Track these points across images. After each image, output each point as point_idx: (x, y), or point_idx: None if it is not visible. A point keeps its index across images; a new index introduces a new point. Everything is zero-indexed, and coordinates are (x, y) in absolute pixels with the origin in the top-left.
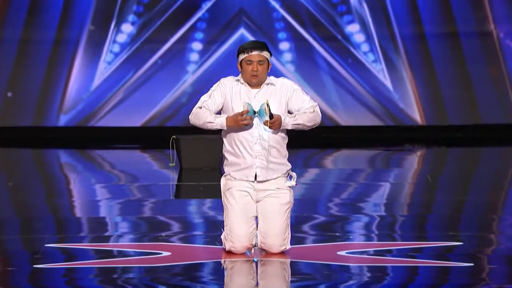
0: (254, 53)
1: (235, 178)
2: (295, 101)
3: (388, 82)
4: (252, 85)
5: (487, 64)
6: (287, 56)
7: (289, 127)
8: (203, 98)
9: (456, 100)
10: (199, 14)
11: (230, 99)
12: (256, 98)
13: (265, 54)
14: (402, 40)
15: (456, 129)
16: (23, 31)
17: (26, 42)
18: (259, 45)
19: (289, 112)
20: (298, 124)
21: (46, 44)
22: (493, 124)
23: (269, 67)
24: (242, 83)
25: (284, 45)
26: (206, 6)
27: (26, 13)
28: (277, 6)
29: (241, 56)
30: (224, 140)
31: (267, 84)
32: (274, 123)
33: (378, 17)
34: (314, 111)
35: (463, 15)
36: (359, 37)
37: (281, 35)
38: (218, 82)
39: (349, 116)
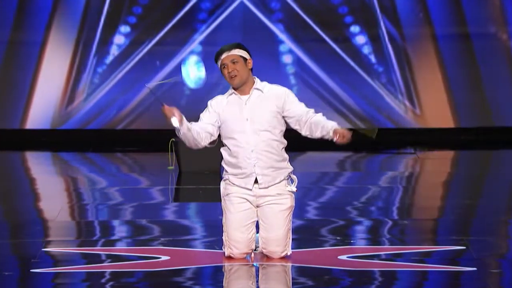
0: (223, 55)
1: (234, 184)
2: (290, 104)
3: (394, 84)
4: (236, 87)
5: (498, 66)
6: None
7: None
8: None
9: (465, 102)
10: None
11: (220, 114)
12: (247, 104)
13: (235, 52)
14: (409, 41)
15: (464, 131)
16: (12, 32)
17: (15, 43)
18: (228, 46)
19: (284, 119)
20: None
21: (37, 46)
22: (504, 127)
23: (248, 64)
24: (230, 94)
25: (287, 58)
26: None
27: (14, 14)
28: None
29: (218, 64)
30: (224, 155)
31: (256, 89)
32: (342, 134)
33: (386, 18)
34: (316, 112)
35: (474, 16)
36: (361, 39)
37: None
38: (207, 106)
39: (350, 118)
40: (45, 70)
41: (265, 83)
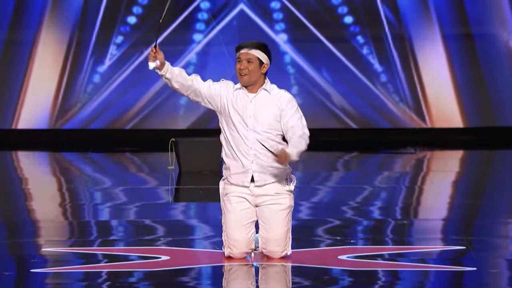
0: (242, 51)
1: (232, 183)
2: (286, 114)
3: (397, 84)
4: (243, 84)
5: (500, 66)
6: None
7: (296, 158)
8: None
9: (467, 102)
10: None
11: (226, 102)
12: (252, 102)
13: (254, 52)
14: (412, 40)
15: (466, 131)
16: (9, 32)
17: (11, 43)
18: (249, 44)
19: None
20: (302, 151)
21: (32, 45)
22: (505, 127)
23: (263, 68)
24: (239, 88)
25: (287, 59)
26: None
27: (11, 14)
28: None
29: (236, 55)
30: (223, 144)
31: (264, 89)
32: (280, 159)
33: (389, 18)
34: (303, 136)
35: (477, 16)
36: (362, 39)
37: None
38: (220, 80)
39: (354, 119)
40: (41, 69)
41: (274, 86)
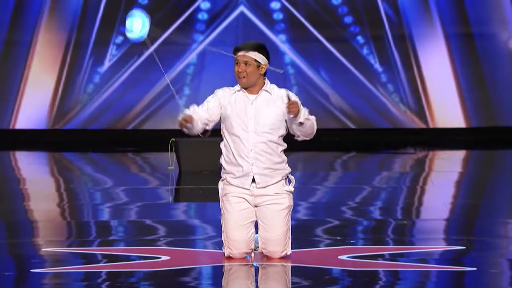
0: (239, 53)
1: (231, 184)
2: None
3: (397, 84)
4: (242, 86)
5: (501, 66)
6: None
7: (302, 120)
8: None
9: (468, 102)
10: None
11: (226, 108)
12: (253, 104)
13: (251, 54)
14: (412, 40)
15: (467, 131)
16: (7, 32)
17: (9, 43)
18: (247, 46)
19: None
20: (308, 120)
21: (30, 46)
22: (506, 127)
23: (261, 69)
24: (238, 91)
25: (287, 59)
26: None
27: (10, 14)
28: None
29: (234, 56)
30: (223, 151)
31: (265, 90)
32: (292, 104)
33: (390, 17)
34: (312, 120)
35: (478, 16)
36: (362, 39)
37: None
38: (213, 93)
39: (354, 119)
40: (39, 70)
41: (274, 86)
